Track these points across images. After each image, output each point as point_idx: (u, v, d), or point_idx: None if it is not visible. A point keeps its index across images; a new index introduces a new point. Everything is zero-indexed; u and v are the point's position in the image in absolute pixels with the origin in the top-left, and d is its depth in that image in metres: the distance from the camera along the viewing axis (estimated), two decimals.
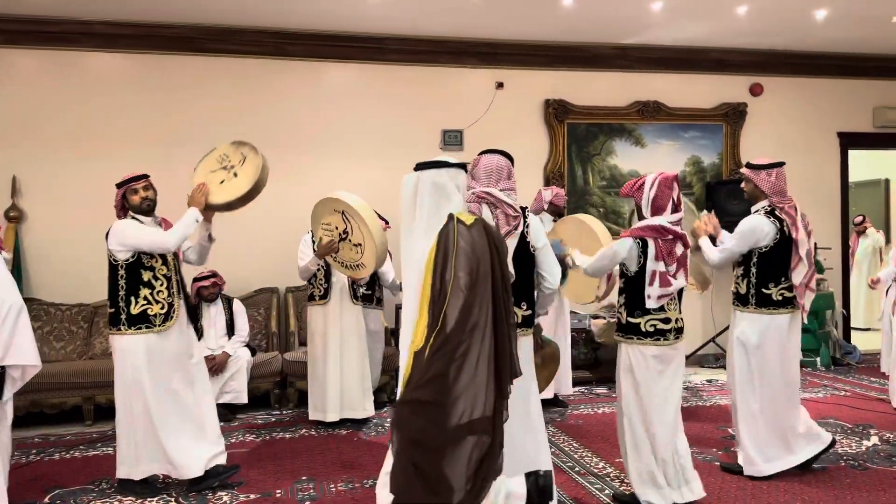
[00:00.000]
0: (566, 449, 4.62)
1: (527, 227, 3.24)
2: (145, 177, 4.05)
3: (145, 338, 3.87)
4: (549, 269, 3.28)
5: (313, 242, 5.19)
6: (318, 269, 5.23)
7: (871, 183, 10.36)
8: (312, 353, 5.29)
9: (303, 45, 6.58)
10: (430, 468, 2.39)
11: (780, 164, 4.05)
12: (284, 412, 5.73)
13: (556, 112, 7.15)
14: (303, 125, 6.66)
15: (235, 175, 4.11)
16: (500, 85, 7.04)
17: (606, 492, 3.89)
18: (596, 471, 4.23)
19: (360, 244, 4.80)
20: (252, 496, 3.90)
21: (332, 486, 4.05)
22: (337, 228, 4.88)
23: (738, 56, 7.49)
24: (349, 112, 6.74)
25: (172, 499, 3.88)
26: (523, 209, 3.27)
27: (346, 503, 3.79)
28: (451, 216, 2.61)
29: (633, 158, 7.37)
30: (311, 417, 5.28)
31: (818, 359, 7.16)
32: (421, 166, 2.74)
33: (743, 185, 4.18)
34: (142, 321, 3.89)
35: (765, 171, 4.02)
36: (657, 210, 3.53)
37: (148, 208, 4.01)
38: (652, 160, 7.36)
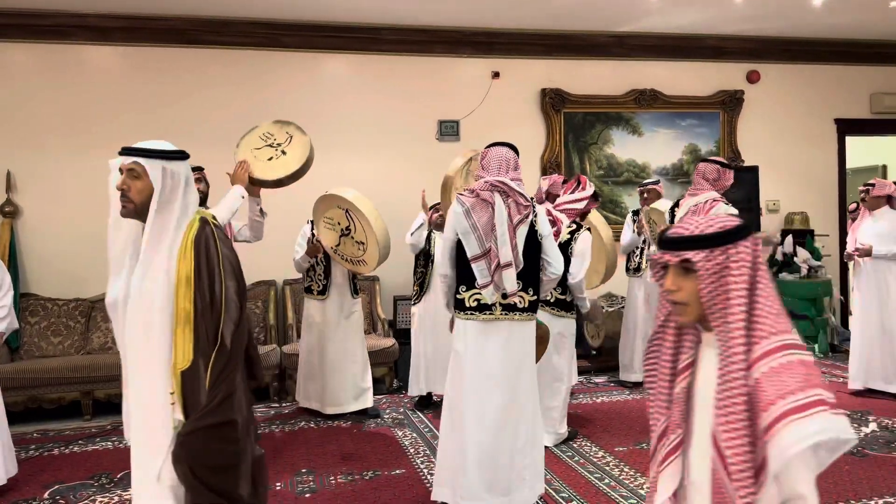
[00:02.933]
0: None
1: (535, 216, 3.37)
2: (199, 169, 4.11)
3: None
4: (554, 256, 3.41)
5: (313, 236, 5.17)
6: (318, 265, 5.21)
7: (868, 169, 10.33)
8: (308, 344, 5.27)
9: (297, 35, 6.54)
10: (229, 486, 2.33)
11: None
12: (283, 405, 5.73)
13: (553, 101, 7.12)
14: (298, 116, 6.49)
15: (284, 153, 4.23)
16: (496, 74, 7.00)
17: (606, 481, 3.89)
18: (595, 460, 4.24)
19: (362, 242, 4.80)
20: None
21: (332, 478, 4.05)
22: (339, 224, 4.86)
23: (735, 43, 7.46)
24: (345, 103, 6.70)
25: None
26: (531, 199, 3.40)
27: (346, 495, 3.79)
28: (203, 219, 2.31)
29: (630, 147, 7.34)
30: (302, 405, 5.35)
31: (816, 346, 7.16)
32: (170, 155, 2.32)
33: None
34: None
35: None
36: None
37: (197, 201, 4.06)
38: (649, 148, 7.34)
